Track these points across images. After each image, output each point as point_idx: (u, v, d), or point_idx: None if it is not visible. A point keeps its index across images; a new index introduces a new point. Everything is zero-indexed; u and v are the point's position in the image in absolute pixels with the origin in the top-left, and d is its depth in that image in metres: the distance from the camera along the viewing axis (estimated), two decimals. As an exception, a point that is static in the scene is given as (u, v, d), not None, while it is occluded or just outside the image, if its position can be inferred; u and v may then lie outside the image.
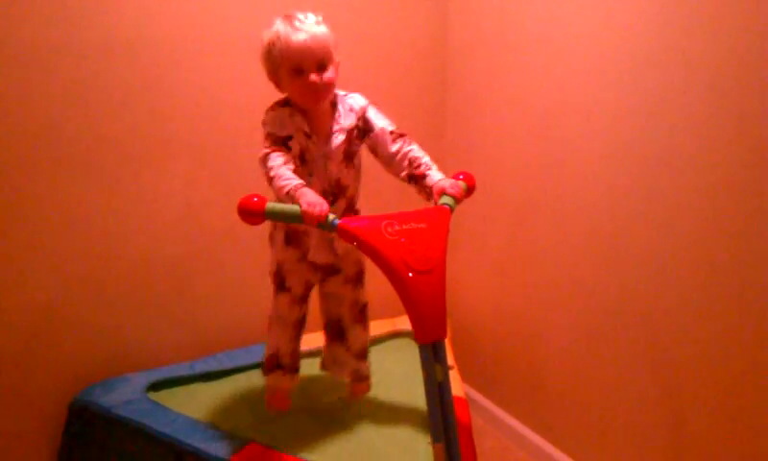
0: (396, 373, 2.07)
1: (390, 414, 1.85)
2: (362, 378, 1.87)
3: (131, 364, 2.06)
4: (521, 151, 2.17)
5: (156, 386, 1.96)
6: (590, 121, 1.89)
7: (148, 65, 1.96)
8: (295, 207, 1.41)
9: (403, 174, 1.64)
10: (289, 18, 1.53)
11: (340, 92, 1.66)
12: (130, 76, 1.95)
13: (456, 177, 1.62)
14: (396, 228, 1.40)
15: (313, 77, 1.53)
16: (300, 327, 1.79)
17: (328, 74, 1.55)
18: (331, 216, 1.41)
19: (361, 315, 1.83)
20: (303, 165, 1.60)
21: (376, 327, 2.30)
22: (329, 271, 1.76)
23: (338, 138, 1.62)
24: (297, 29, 1.51)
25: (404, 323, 2.25)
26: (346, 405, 1.88)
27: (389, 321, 2.35)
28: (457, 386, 1.86)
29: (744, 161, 1.51)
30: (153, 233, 2.07)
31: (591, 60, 1.86)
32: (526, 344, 2.27)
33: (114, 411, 1.81)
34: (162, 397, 1.91)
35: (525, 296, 2.25)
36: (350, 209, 1.70)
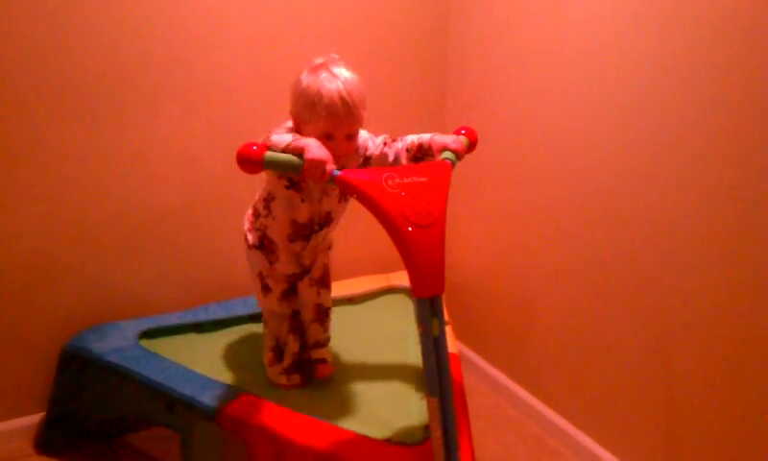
0: (388, 328, 2.07)
1: (382, 368, 1.86)
2: (320, 361, 1.81)
3: (123, 312, 2.05)
4: (523, 107, 2.14)
5: (148, 334, 1.95)
6: (593, 78, 1.86)
7: (143, 5, 1.90)
8: (295, 158, 1.39)
9: (410, 159, 1.60)
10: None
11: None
12: (124, 16, 1.89)
13: (458, 132, 1.60)
14: (397, 181, 1.38)
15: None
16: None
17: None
18: (330, 166, 1.39)
19: (321, 316, 1.79)
20: (299, 191, 1.60)
21: (371, 282, 2.32)
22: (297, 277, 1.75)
23: None
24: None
25: (399, 278, 2.25)
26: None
27: (383, 276, 2.34)
28: (451, 342, 1.86)
29: (751, 120, 1.49)
30: (148, 180, 2.04)
31: (595, 17, 1.83)
32: (520, 303, 2.27)
33: (106, 358, 1.81)
34: (154, 345, 1.91)
35: (520, 255, 2.25)
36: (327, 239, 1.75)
